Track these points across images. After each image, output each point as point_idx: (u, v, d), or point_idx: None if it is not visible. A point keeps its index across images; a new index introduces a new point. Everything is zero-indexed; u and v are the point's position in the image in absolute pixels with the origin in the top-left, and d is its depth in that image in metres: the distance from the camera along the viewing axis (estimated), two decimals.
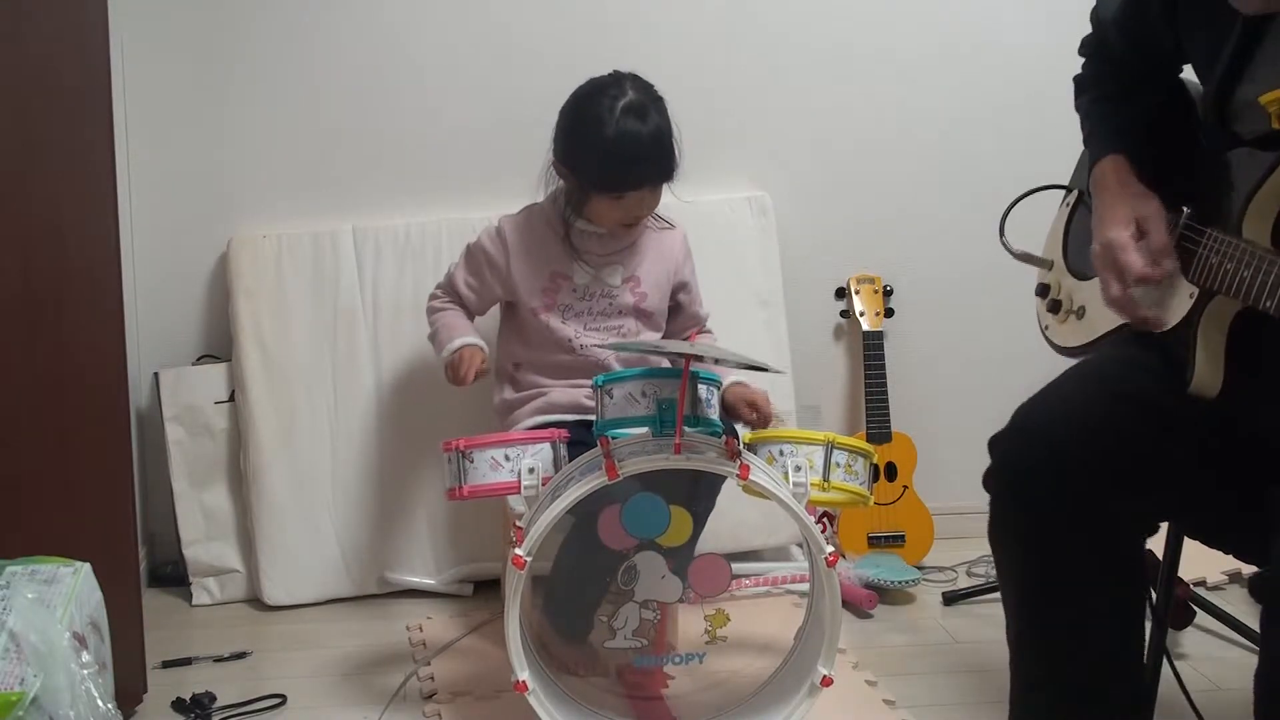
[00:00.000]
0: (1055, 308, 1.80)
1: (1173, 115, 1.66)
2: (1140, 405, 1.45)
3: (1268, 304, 1.30)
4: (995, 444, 1.49)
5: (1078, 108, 1.75)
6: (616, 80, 1.99)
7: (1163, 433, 1.44)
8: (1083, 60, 1.78)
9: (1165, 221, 1.48)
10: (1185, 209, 1.48)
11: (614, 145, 1.94)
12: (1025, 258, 1.88)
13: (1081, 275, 1.75)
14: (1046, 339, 1.82)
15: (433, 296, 2.17)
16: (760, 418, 1.98)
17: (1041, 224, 1.95)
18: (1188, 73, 1.66)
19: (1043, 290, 1.83)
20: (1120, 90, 1.70)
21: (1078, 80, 1.78)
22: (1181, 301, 1.46)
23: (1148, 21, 1.62)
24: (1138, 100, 1.67)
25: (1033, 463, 1.43)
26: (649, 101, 1.97)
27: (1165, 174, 1.53)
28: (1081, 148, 1.78)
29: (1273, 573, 1.30)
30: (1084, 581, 1.45)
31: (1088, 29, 1.79)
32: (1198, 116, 1.59)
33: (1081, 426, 1.44)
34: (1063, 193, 1.88)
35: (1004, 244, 1.92)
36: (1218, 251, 1.40)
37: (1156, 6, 1.59)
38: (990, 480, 1.49)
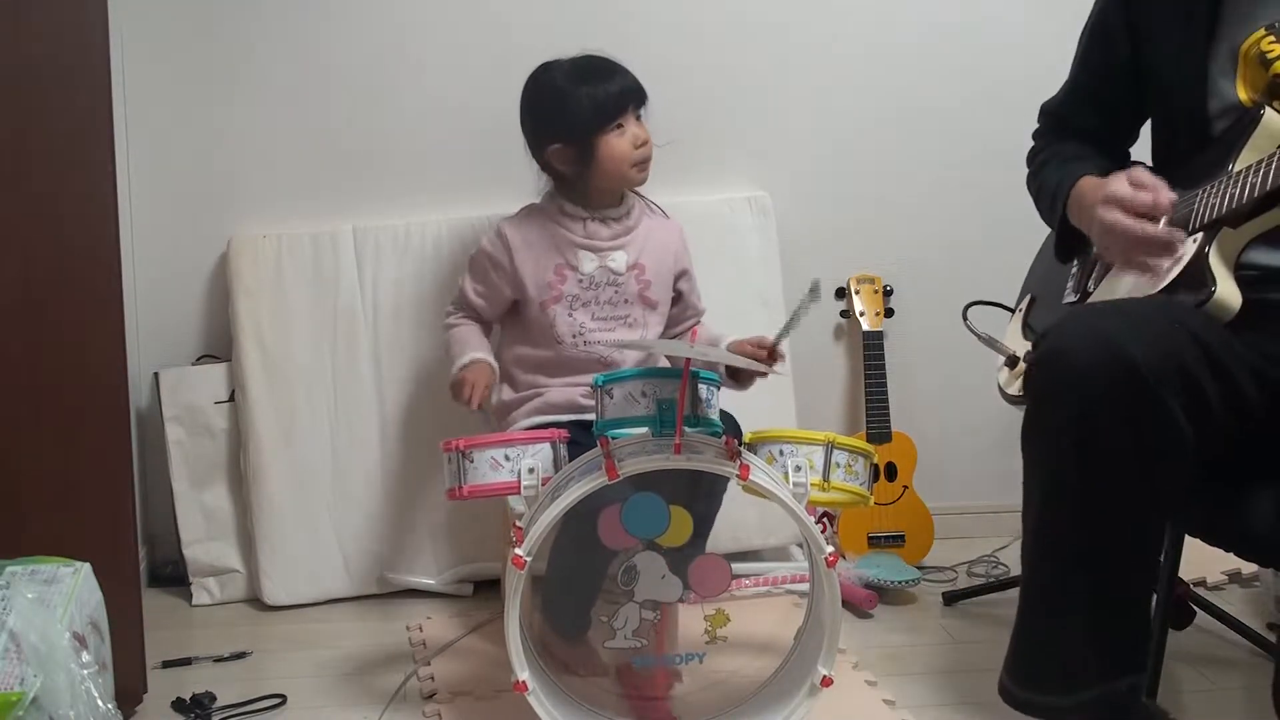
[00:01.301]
0: (1013, 364, 1.87)
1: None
2: (1190, 336, 1.43)
3: (1276, 183, 1.38)
4: (1045, 336, 1.47)
5: (1031, 184, 1.85)
6: (550, 60, 2.09)
7: (1213, 369, 1.42)
8: (1034, 143, 1.91)
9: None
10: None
11: (581, 86, 2.03)
12: (990, 343, 1.94)
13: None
14: (1004, 394, 1.89)
15: (447, 314, 2.19)
16: (769, 353, 1.95)
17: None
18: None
19: (1011, 362, 1.88)
20: (1080, 153, 1.80)
21: (1030, 155, 1.90)
22: (1187, 249, 1.53)
23: (1106, 61, 1.74)
24: (1096, 160, 1.76)
25: (1090, 350, 1.39)
26: (590, 55, 2.08)
27: None
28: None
29: None
30: (1127, 497, 1.41)
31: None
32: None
33: (1143, 327, 1.41)
34: (1015, 305, 2.01)
35: (969, 328, 1.99)
36: (1216, 193, 1.49)
37: (1117, 25, 1.68)
38: (1036, 370, 1.46)
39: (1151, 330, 1.40)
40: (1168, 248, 1.52)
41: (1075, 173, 1.73)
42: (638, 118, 2.06)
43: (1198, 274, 1.50)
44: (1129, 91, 1.75)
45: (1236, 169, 1.50)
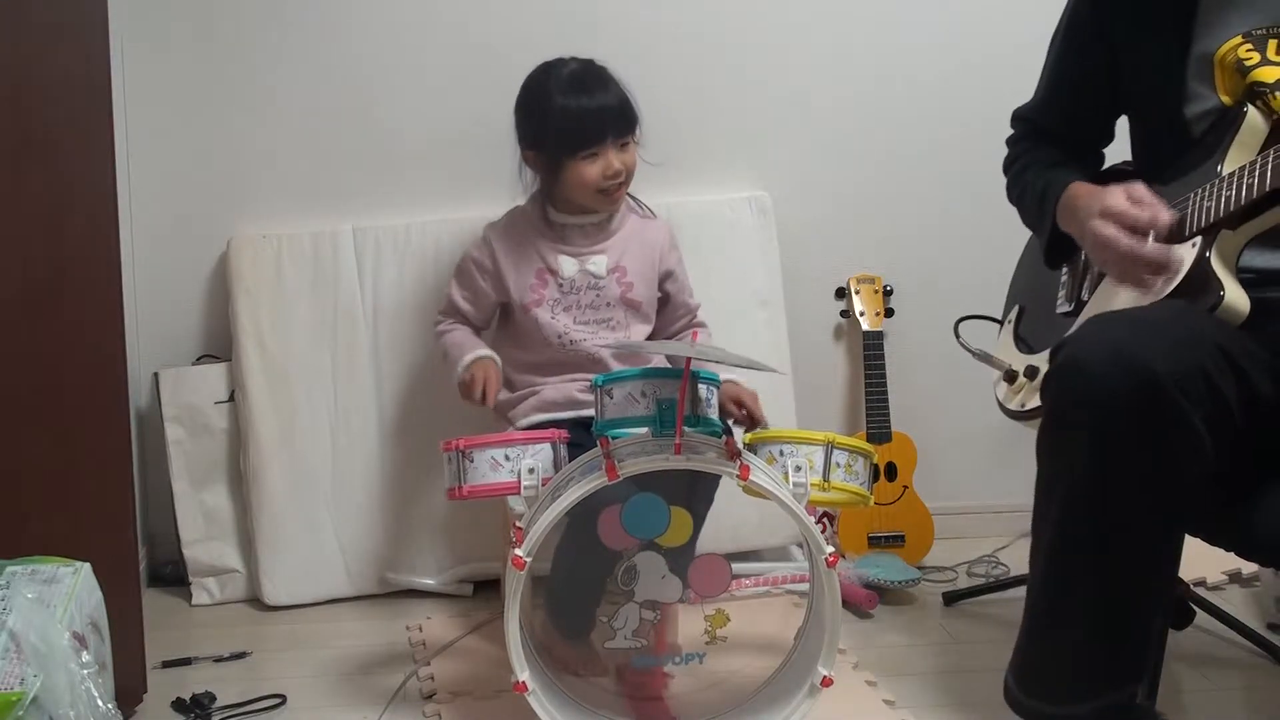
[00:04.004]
0: (1011, 378, 1.86)
1: (1111, 176, 1.78)
2: (1211, 342, 1.42)
3: (1275, 182, 1.38)
4: (1060, 348, 1.46)
5: (1011, 193, 1.86)
6: (556, 61, 2.06)
7: (1233, 372, 1.41)
8: (1009, 149, 1.93)
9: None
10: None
11: (565, 105, 2.00)
12: (984, 358, 1.95)
13: (1034, 352, 1.85)
14: (1004, 409, 1.87)
15: (436, 322, 2.19)
16: (748, 415, 1.98)
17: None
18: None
19: (1009, 377, 1.87)
20: (1060, 158, 1.81)
21: (1007, 163, 1.92)
22: (1186, 254, 1.52)
23: (1082, 69, 1.75)
24: (1077, 166, 1.78)
25: (1108, 364, 1.37)
26: (593, 66, 2.04)
27: None
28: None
29: None
30: (1138, 489, 1.40)
31: None
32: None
33: (1163, 339, 1.39)
34: (1002, 316, 2.03)
35: (961, 344, 1.99)
36: (1209, 196, 1.48)
37: (1089, 26, 1.68)
38: (1052, 382, 1.45)
39: (1171, 339, 1.38)
40: (1163, 268, 1.50)
41: (1062, 178, 1.72)
42: (622, 145, 2.02)
43: (1202, 279, 1.49)
44: (1103, 95, 1.75)
45: (1227, 170, 1.49)
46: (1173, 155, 1.62)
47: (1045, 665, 1.52)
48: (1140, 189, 1.55)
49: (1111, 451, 1.38)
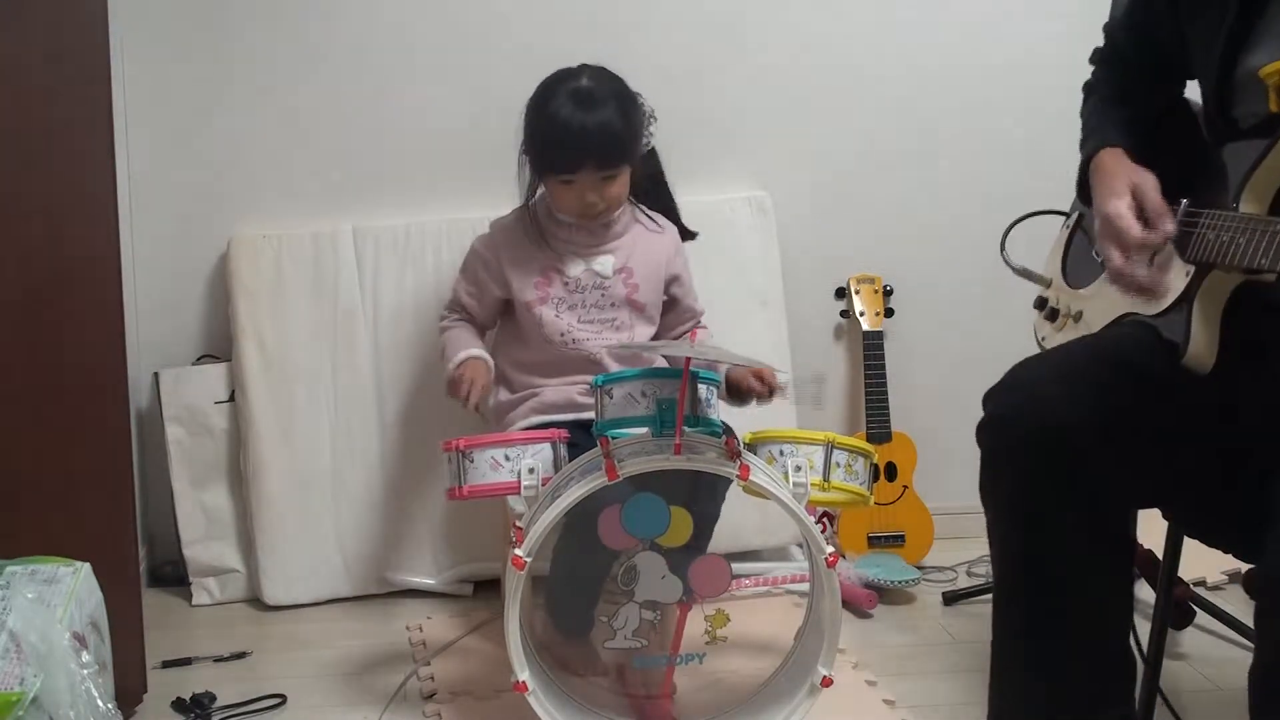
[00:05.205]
0: (1053, 316, 1.83)
1: (1173, 121, 1.70)
2: (1136, 374, 1.45)
3: (1263, 262, 1.33)
4: (988, 399, 1.49)
5: (1082, 112, 1.78)
6: (577, 70, 2.01)
7: (1158, 405, 1.44)
8: (1092, 69, 1.80)
9: (1159, 190, 1.51)
10: (1183, 200, 1.51)
11: (552, 126, 1.96)
12: (1025, 273, 1.92)
13: (1079, 286, 1.79)
14: (1043, 349, 1.83)
15: (441, 317, 2.18)
16: (768, 387, 1.96)
17: (1040, 239, 1.97)
18: (1193, 92, 1.68)
19: (1040, 303, 1.86)
20: (1124, 93, 1.73)
21: (1086, 86, 1.81)
22: (1178, 279, 1.49)
23: (1153, 12, 1.65)
24: (1141, 103, 1.70)
25: (1023, 418, 1.43)
26: (601, 89, 1.97)
27: (1163, 171, 1.55)
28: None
29: (1269, 567, 1.30)
30: (1070, 548, 1.44)
31: (1089, 33, 1.80)
32: (1198, 128, 1.61)
33: (1075, 385, 1.43)
34: (1064, 217, 1.92)
35: (1005, 259, 1.95)
36: (1214, 227, 1.43)
37: None
38: (982, 434, 1.49)
39: (1087, 384, 1.42)
40: (1150, 293, 1.49)
41: (1105, 131, 1.66)
42: (606, 177, 1.98)
43: (1179, 319, 1.48)
44: (1173, 34, 1.63)
45: (1242, 207, 1.42)
46: (1220, 136, 1.54)
47: (1008, 707, 1.54)
48: (1149, 193, 1.49)
49: (1035, 498, 1.43)
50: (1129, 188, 1.52)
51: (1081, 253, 1.84)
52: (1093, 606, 1.48)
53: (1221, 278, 1.45)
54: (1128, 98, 1.72)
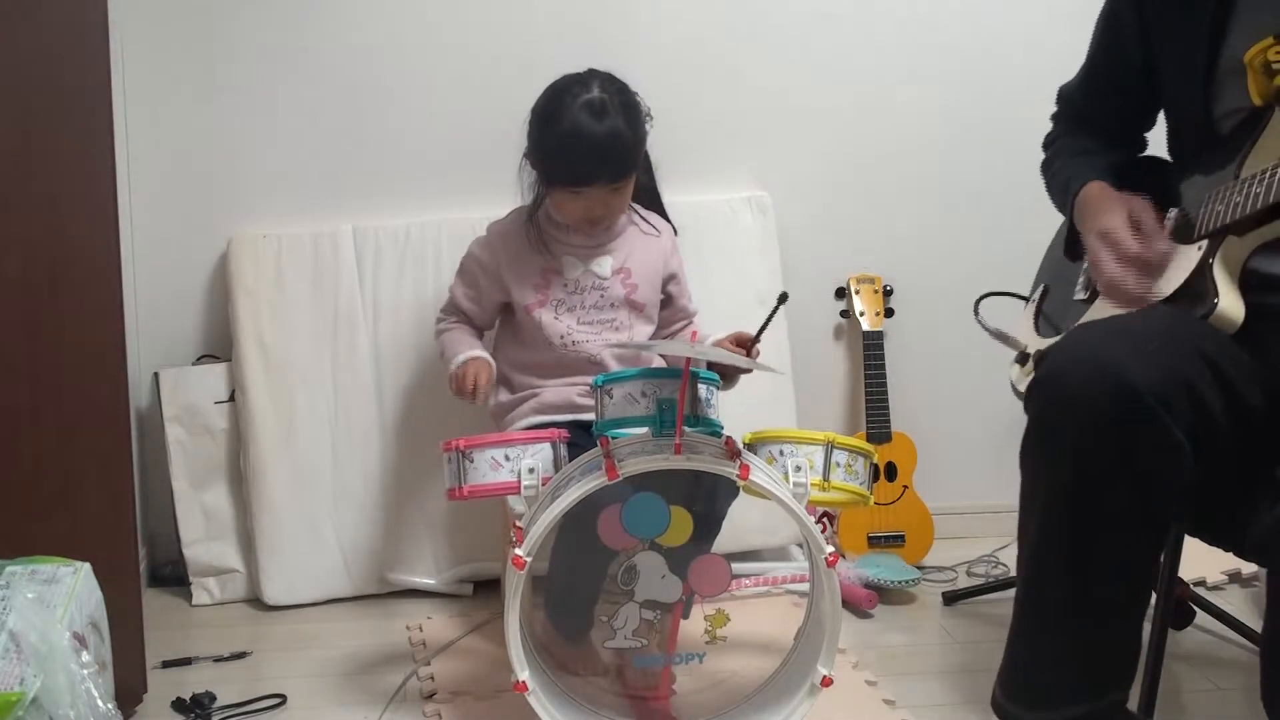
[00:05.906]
0: (1024, 360, 1.85)
1: (1142, 166, 1.77)
2: (1196, 352, 1.42)
3: (1269, 200, 1.38)
4: (1045, 357, 1.47)
5: (1046, 168, 1.83)
6: (586, 77, 1.98)
7: (1219, 382, 1.41)
8: (1052, 125, 1.87)
9: (1152, 212, 1.55)
10: (1173, 209, 1.54)
11: (565, 139, 1.94)
12: (1000, 336, 1.94)
13: (1051, 335, 1.83)
14: (1016, 391, 1.85)
15: (438, 320, 2.18)
16: (748, 349, 1.94)
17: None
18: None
19: (1023, 358, 1.87)
20: (1090, 147, 1.79)
21: (1046, 141, 1.88)
22: (1189, 258, 1.52)
23: (1120, 45, 1.72)
24: (1107, 155, 1.76)
25: (1082, 372, 1.39)
26: (612, 100, 1.95)
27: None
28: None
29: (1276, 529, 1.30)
30: (1117, 498, 1.41)
31: (1086, 31, 1.81)
32: (1166, 172, 1.67)
33: (1138, 343, 1.40)
34: (1025, 301, 1.98)
35: (979, 323, 1.97)
36: (1220, 200, 1.48)
37: (1129, 17, 1.67)
38: (1035, 391, 1.46)
39: (1153, 350, 1.39)
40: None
41: (1084, 174, 1.71)
42: (614, 189, 1.98)
43: (1200, 285, 1.49)
44: (1142, 82, 1.72)
45: (1243, 175, 1.49)
46: (1200, 151, 1.60)
47: (1027, 671, 1.53)
48: (1144, 211, 1.54)
49: (1091, 462, 1.39)
50: (1124, 208, 1.56)
51: (1059, 305, 1.87)
52: (1129, 583, 1.47)
53: (1235, 243, 1.47)
54: (1094, 150, 1.78)
